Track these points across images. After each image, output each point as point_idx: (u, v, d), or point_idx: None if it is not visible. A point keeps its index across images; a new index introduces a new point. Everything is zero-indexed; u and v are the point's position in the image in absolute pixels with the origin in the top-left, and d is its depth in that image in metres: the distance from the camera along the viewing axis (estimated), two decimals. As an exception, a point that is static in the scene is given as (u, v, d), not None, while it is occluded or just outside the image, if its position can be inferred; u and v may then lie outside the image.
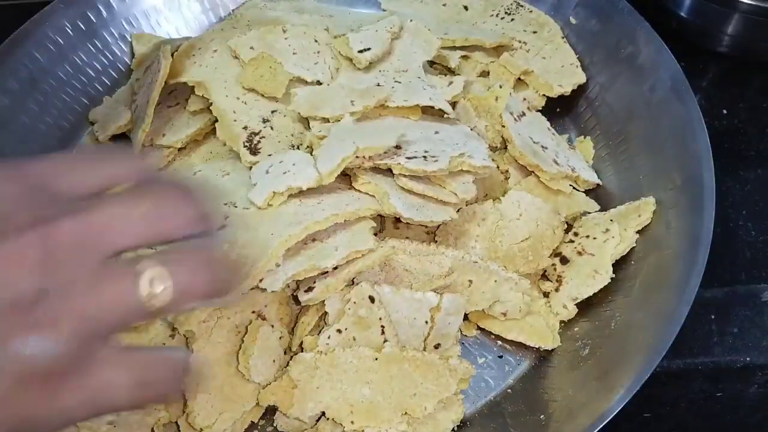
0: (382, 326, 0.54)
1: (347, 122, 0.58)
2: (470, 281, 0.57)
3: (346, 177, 0.57)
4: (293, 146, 0.61)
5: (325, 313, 0.55)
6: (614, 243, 0.58)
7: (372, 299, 0.54)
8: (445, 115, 0.60)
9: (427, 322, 0.55)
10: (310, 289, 0.54)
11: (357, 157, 0.55)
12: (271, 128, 0.62)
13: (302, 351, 0.54)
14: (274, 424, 0.54)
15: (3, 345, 0.27)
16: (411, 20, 0.68)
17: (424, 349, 0.54)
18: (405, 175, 0.56)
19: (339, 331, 0.53)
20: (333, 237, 0.55)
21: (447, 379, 0.51)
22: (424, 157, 0.56)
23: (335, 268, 0.54)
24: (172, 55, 0.65)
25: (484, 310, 0.57)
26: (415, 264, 0.57)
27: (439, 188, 0.57)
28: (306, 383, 0.51)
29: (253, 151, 0.60)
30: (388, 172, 0.57)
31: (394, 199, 0.55)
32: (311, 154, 0.57)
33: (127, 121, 0.66)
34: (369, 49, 0.64)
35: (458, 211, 0.58)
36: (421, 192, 0.56)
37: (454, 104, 0.63)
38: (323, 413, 0.52)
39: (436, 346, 0.54)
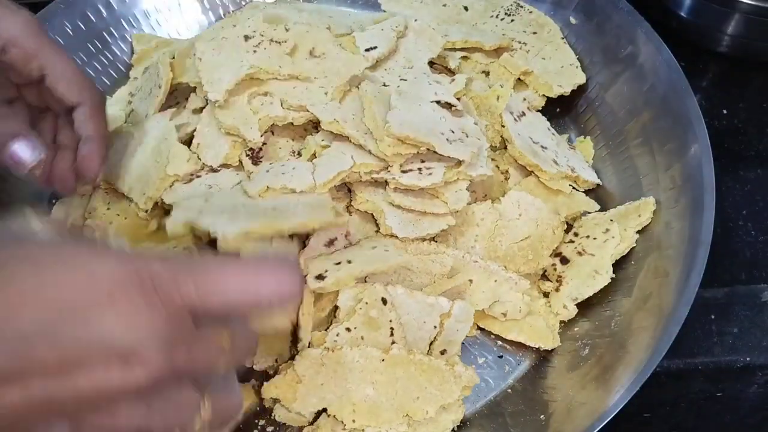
0: (392, 328, 0.54)
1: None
2: (470, 281, 0.57)
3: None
4: (293, 152, 0.62)
5: (336, 307, 0.55)
6: (614, 243, 0.58)
7: (384, 301, 0.54)
8: (453, 108, 0.61)
9: (435, 327, 0.55)
10: (321, 277, 0.54)
11: (354, 171, 0.57)
12: (272, 133, 0.62)
13: (309, 346, 0.54)
14: (273, 415, 0.54)
15: None
16: (416, 20, 0.69)
17: (429, 354, 0.54)
18: (398, 189, 0.57)
19: (348, 329, 0.53)
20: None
21: (451, 386, 0.51)
22: (419, 170, 0.57)
23: (349, 262, 0.54)
24: (173, 57, 0.65)
25: (484, 310, 0.57)
26: (416, 262, 0.57)
27: (429, 201, 0.57)
28: (311, 379, 0.51)
29: (255, 160, 0.61)
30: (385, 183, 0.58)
31: (390, 218, 0.57)
32: (312, 162, 0.58)
33: (123, 122, 0.66)
34: (375, 47, 0.65)
35: (457, 212, 0.58)
36: (411, 208, 0.57)
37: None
38: (324, 410, 0.52)
39: (442, 352, 0.54)
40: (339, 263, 0.55)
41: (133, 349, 0.31)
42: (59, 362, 0.30)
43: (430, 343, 0.55)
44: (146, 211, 0.60)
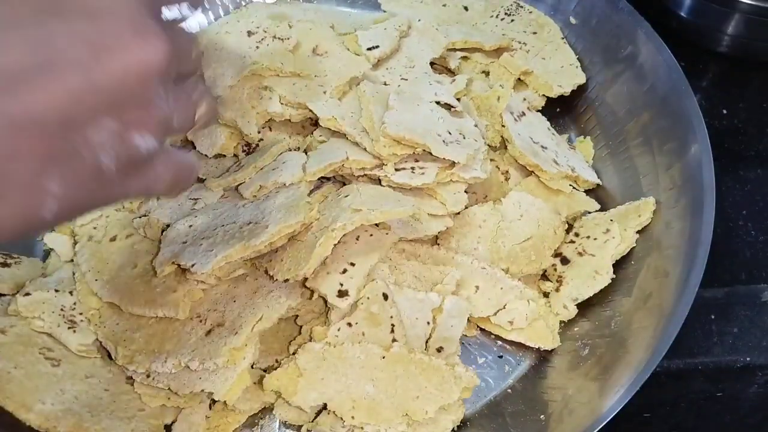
0: (392, 325, 0.54)
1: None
2: (477, 287, 0.57)
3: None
4: (290, 150, 0.62)
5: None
6: (614, 243, 0.58)
7: (386, 296, 0.54)
8: (453, 109, 0.61)
9: (429, 323, 0.55)
10: (342, 293, 0.54)
11: (347, 167, 0.57)
12: (270, 129, 0.62)
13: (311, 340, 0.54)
14: (273, 412, 0.54)
15: (122, 135, 0.34)
16: (419, 20, 0.69)
17: (425, 351, 0.54)
18: (392, 187, 0.57)
19: (349, 324, 0.54)
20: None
21: (451, 386, 0.51)
22: (412, 169, 0.57)
23: (352, 264, 0.55)
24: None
25: (489, 318, 0.57)
26: (424, 272, 0.57)
27: (428, 202, 0.57)
28: (312, 373, 0.52)
29: (248, 152, 0.61)
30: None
31: None
32: (306, 153, 0.59)
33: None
34: (377, 46, 0.65)
35: (458, 214, 0.58)
36: None
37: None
38: (324, 407, 0.52)
39: (439, 350, 0.54)
40: (345, 271, 0.55)
41: (144, 24, 0.34)
42: (86, 46, 0.32)
43: (426, 341, 0.55)
44: (131, 211, 0.60)
